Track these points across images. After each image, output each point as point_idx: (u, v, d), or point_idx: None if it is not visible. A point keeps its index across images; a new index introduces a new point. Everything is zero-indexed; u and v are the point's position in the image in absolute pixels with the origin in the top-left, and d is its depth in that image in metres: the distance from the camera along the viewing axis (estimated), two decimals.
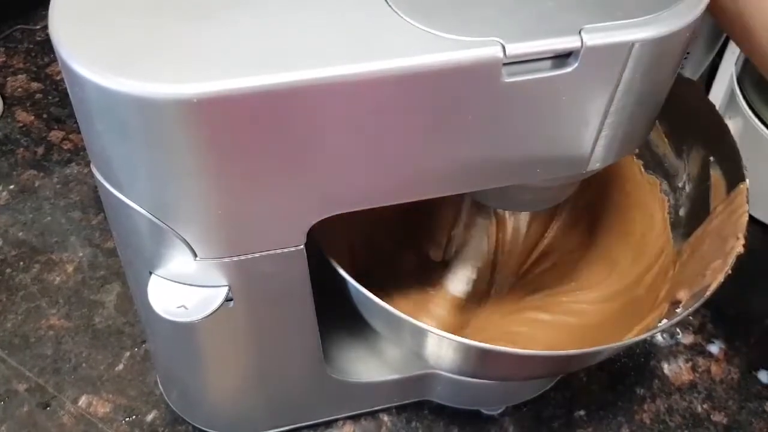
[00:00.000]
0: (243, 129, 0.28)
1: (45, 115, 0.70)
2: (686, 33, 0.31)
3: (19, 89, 0.72)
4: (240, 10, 0.29)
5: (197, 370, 0.44)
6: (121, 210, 0.33)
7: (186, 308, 0.35)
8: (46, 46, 0.76)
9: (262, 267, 0.35)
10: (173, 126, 0.28)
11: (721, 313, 0.58)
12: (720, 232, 0.42)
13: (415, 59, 0.28)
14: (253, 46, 0.28)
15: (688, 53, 0.57)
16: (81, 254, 0.59)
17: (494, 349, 0.37)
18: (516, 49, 0.28)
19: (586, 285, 0.51)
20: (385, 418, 0.52)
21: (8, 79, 0.73)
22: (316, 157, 0.30)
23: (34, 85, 0.73)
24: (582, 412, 0.52)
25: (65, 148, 0.67)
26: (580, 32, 0.29)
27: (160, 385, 0.52)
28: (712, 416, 0.52)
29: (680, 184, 0.48)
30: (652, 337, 0.56)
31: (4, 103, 0.71)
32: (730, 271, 0.39)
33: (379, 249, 0.51)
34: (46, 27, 0.76)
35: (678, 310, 0.40)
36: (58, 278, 0.58)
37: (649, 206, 0.49)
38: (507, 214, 0.52)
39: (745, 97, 0.58)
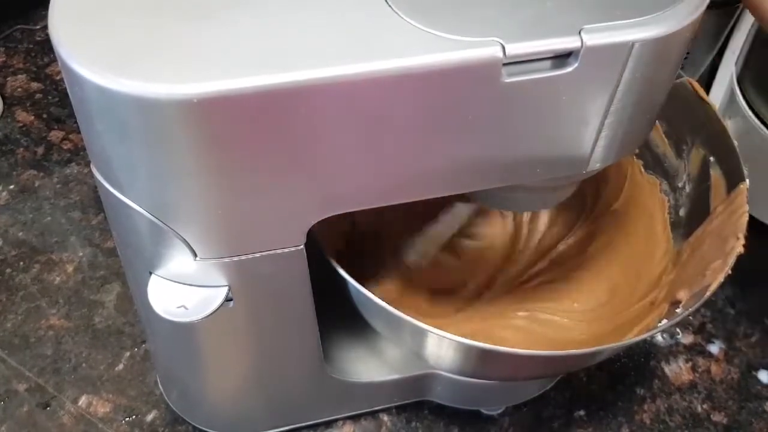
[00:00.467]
0: (243, 129, 0.28)
1: (45, 115, 0.70)
2: (686, 33, 0.31)
3: (19, 89, 0.72)
4: (240, 10, 0.29)
5: (197, 370, 0.44)
6: (121, 210, 0.33)
7: (186, 308, 0.35)
8: (46, 46, 0.76)
9: (262, 267, 0.35)
10: (173, 126, 0.28)
11: (721, 313, 0.58)
12: (720, 232, 0.42)
13: (415, 59, 0.28)
14: (253, 46, 0.28)
15: (688, 53, 0.57)
16: (81, 254, 0.59)
17: (494, 349, 0.37)
18: (516, 49, 0.28)
19: (581, 287, 0.51)
20: (385, 418, 0.52)
21: (8, 79, 0.73)
22: (316, 157, 0.30)
23: (34, 85, 0.73)
24: (582, 412, 0.52)
25: (65, 148, 0.67)
26: (579, 32, 0.29)
27: (160, 385, 0.52)
28: (712, 416, 0.52)
29: (680, 184, 0.48)
30: (652, 337, 0.56)
31: (4, 103, 0.71)
32: (730, 271, 0.39)
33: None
34: (46, 27, 0.76)
35: (678, 310, 0.40)
36: (58, 278, 0.58)
37: (649, 206, 0.49)
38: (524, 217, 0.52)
39: (745, 97, 0.58)
